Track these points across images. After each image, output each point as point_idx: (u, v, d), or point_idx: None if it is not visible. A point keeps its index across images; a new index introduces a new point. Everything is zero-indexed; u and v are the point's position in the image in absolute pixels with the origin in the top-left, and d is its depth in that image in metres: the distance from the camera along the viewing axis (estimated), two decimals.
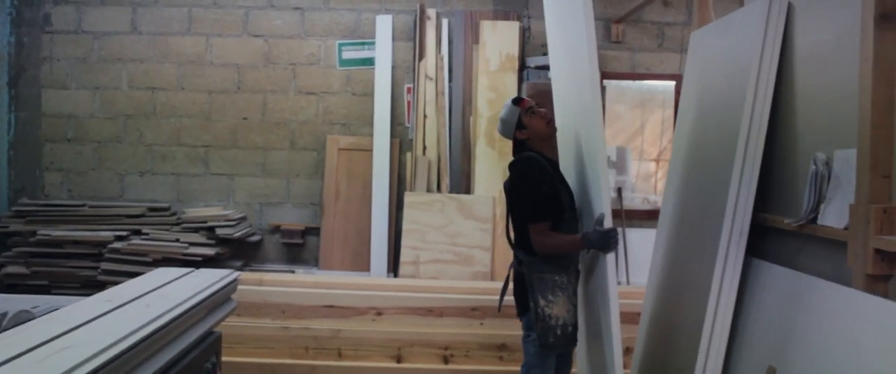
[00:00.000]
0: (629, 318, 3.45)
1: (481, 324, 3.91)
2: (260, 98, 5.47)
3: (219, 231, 5.08)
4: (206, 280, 2.58)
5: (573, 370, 2.97)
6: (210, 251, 4.96)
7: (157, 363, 1.94)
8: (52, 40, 5.47)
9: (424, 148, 5.14)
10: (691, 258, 2.86)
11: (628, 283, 5.08)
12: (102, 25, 5.45)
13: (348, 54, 5.44)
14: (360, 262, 5.23)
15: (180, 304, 2.18)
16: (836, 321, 2.07)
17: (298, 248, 5.47)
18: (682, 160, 3.21)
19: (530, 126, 2.74)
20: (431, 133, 5.15)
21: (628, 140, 5.51)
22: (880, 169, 2.00)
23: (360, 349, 3.86)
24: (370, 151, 5.28)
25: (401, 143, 5.39)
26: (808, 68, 2.45)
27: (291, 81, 5.46)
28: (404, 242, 4.82)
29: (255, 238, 5.38)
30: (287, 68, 5.46)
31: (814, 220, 2.29)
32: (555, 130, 2.79)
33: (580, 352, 3.12)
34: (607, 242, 2.53)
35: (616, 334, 2.49)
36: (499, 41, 5.17)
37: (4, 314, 2.23)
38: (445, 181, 5.11)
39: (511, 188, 2.75)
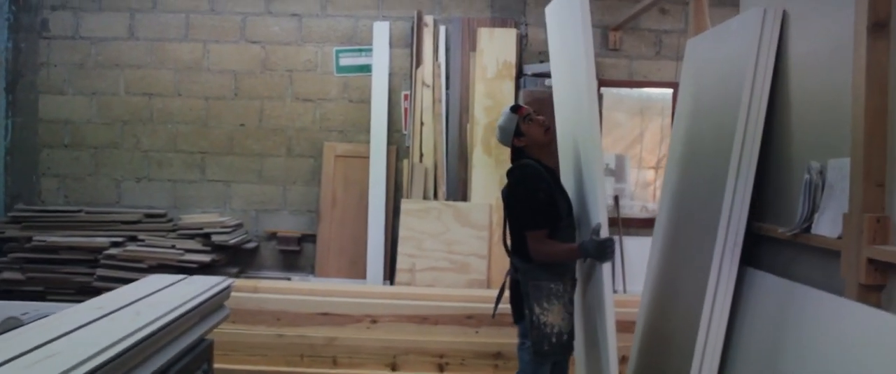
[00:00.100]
0: (625, 327, 3.45)
1: (477, 332, 3.90)
2: (257, 105, 5.46)
3: (215, 238, 5.07)
4: (199, 287, 2.57)
5: None
6: (206, 258, 4.95)
7: (146, 371, 1.93)
8: (49, 46, 5.47)
9: (421, 155, 5.13)
10: (686, 267, 2.85)
11: (625, 291, 5.07)
12: (100, 31, 5.45)
13: (345, 61, 5.44)
14: (357, 269, 5.21)
15: (171, 311, 2.18)
16: (830, 331, 2.06)
17: (295, 255, 5.46)
18: (676, 168, 3.21)
19: (528, 134, 2.74)
20: (428, 140, 5.14)
21: (627, 148, 5.50)
22: (874, 178, 2.00)
23: (356, 357, 3.86)
24: (367, 158, 5.27)
25: (397, 150, 5.38)
26: (803, 77, 2.45)
27: (288, 88, 5.46)
28: (400, 249, 4.81)
29: (251, 245, 5.37)
30: (284, 75, 5.45)
31: (808, 229, 2.29)
32: (553, 137, 2.79)
33: (578, 361, 3.10)
34: (604, 251, 2.52)
35: (612, 343, 2.48)
36: (496, 49, 5.17)
37: None
38: (442, 189, 5.10)
39: (508, 195, 2.75)
